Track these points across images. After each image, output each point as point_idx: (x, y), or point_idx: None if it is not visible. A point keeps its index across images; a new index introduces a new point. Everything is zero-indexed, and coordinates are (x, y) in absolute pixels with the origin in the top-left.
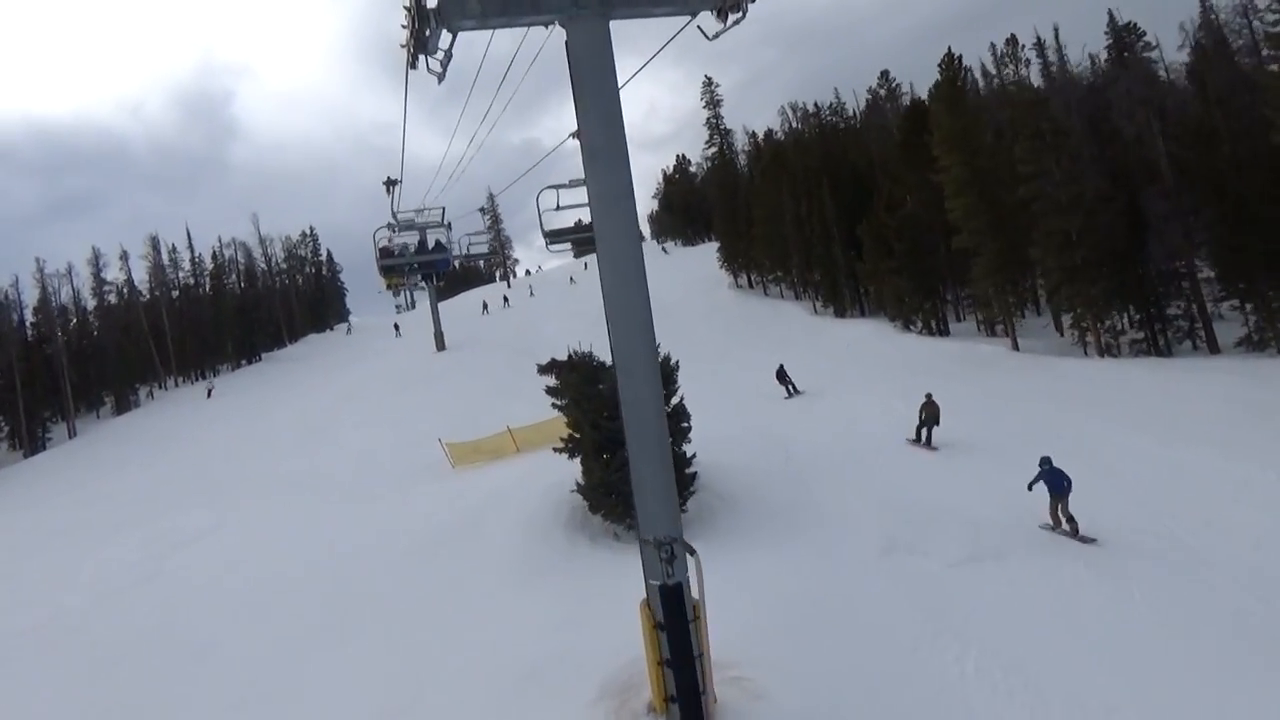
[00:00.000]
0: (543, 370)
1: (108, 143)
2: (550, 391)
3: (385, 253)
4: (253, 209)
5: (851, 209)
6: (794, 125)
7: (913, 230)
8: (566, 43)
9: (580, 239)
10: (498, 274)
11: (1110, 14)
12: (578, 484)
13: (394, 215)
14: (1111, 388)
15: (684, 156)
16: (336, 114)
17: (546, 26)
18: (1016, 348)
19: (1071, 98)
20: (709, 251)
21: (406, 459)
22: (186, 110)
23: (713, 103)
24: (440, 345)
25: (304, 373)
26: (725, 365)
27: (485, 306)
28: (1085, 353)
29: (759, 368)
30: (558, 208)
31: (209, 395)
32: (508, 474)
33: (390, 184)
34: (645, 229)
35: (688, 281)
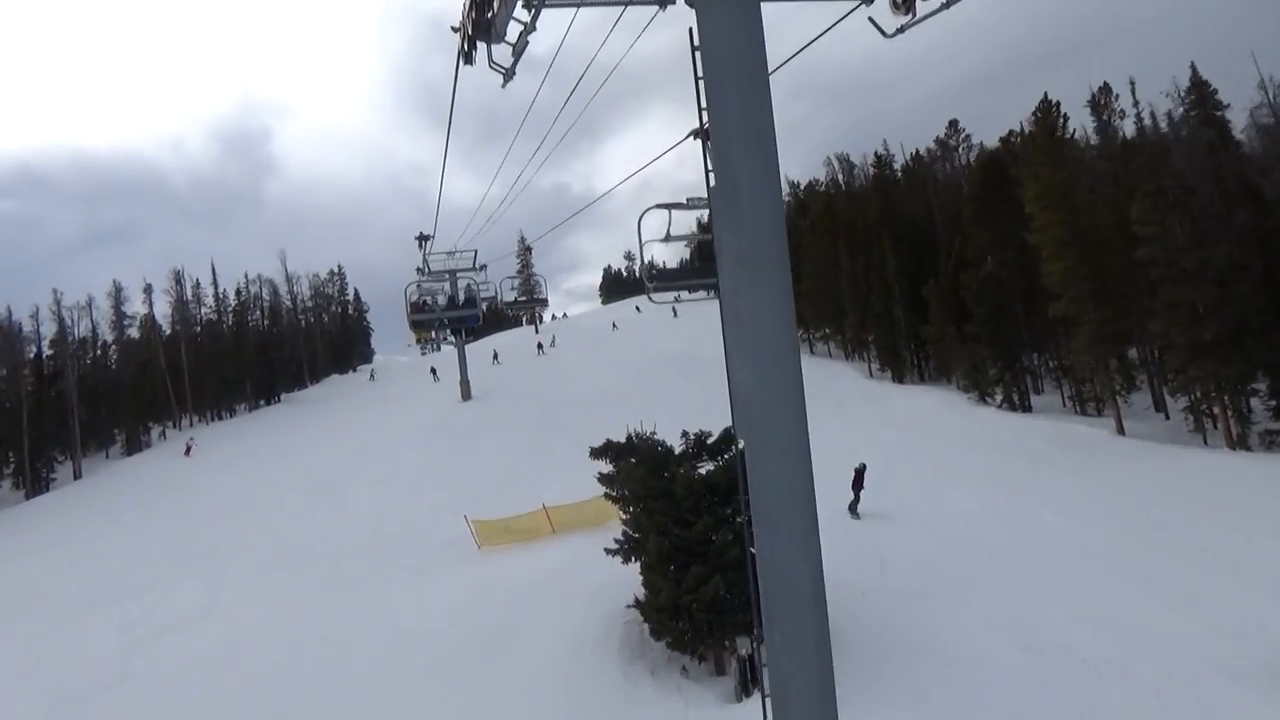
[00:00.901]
0: (596, 454)
1: (147, 176)
2: (605, 480)
3: (416, 308)
4: (284, 245)
5: (912, 267)
6: (840, 177)
7: (993, 293)
8: (693, 29)
9: (697, 285)
10: (524, 318)
11: (1193, 66)
12: (637, 600)
13: (425, 269)
14: (1257, 489)
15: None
16: (372, 154)
17: (664, 6)
18: (1122, 431)
19: (1194, 152)
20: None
21: (426, 531)
22: (225, 146)
23: None
24: (466, 394)
25: (321, 417)
26: None
27: (496, 356)
28: (1205, 441)
29: (820, 435)
30: (667, 238)
31: (187, 453)
32: (543, 563)
33: (422, 239)
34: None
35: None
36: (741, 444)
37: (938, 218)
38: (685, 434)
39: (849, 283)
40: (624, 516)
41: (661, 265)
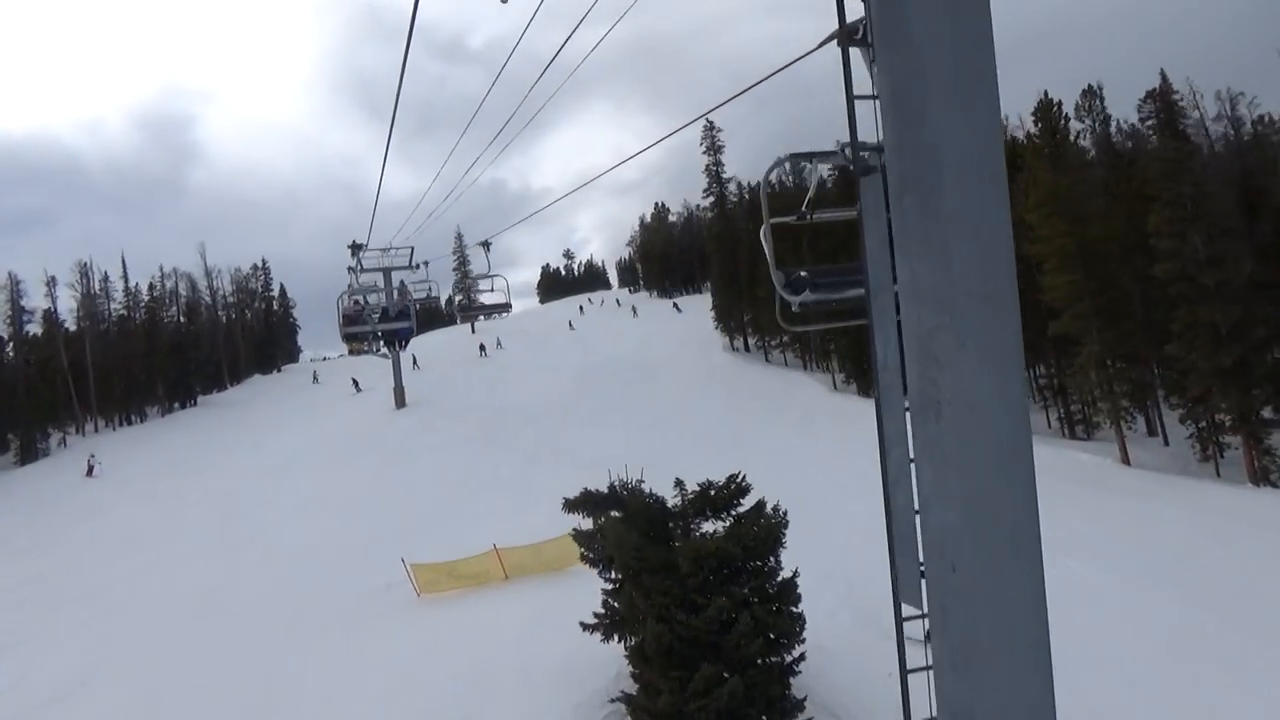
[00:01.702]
0: (571, 507)
1: (61, 161)
2: (581, 539)
3: (349, 319)
4: (209, 237)
5: None
6: (789, 178)
7: None
8: None
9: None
10: (459, 318)
11: (1162, 74)
12: (625, 695)
13: (356, 279)
14: None
15: (663, 205)
16: (302, 145)
17: None
18: (1127, 460)
19: (1210, 158)
20: (695, 306)
21: (356, 571)
22: (147, 132)
23: (713, 149)
24: (400, 402)
25: (240, 423)
26: (744, 453)
27: (415, 361)
28: (1218, 473)
29: (790, 459)
30: (804, 214)
31: (90, 473)
32: (497, 621)
33: (355, 248)
34: (613, 276)
35: (675, 340)
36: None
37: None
38: (681, 484)
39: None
40: (610, 588)
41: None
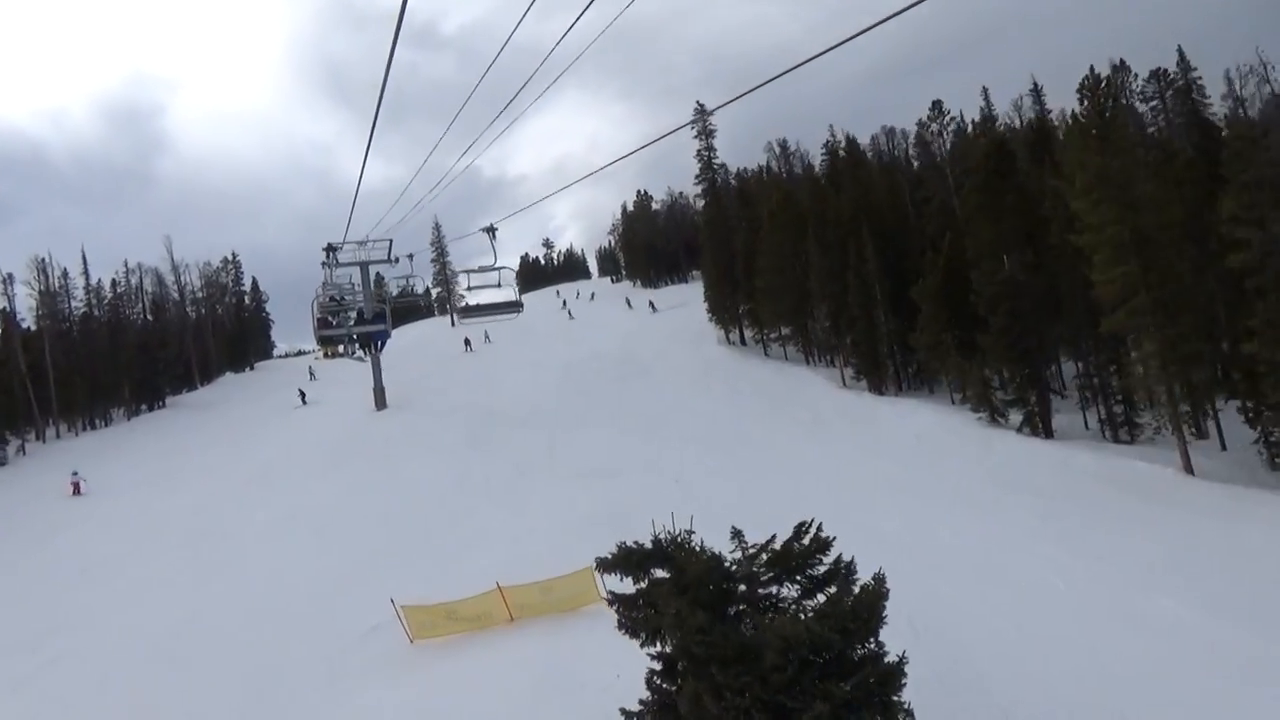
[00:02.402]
0: (605, 567)
1: (23, 150)
2: (624, 606)
3: (324, 322)
4: (177, 228)
5: (891, 264)
6: (778, 164)
7: (1011, 300)
8: None
9: None
10: (456, 321)
11: (1180, 51)
12: None
13: (329, 278)
14: None
15: (645, 192)
16: (271, 133)
17: None
18: (1190, 469)
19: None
20: (683, 297)
21: (337, 607)
22: (111, 121)
23: (705, 133)
24: (380, 403)
25: (210, 427)
26: (753, 459)
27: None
28: None
29: (805, 465)
30: None
31: (76, 492)
32: (503, 675)
33: (329, 250)
34: (593, 265)
35: (665, 333)
36: None
37: (910, 210)
38: (739, 536)
39: (822, 281)
40: (650, 652)
41: None
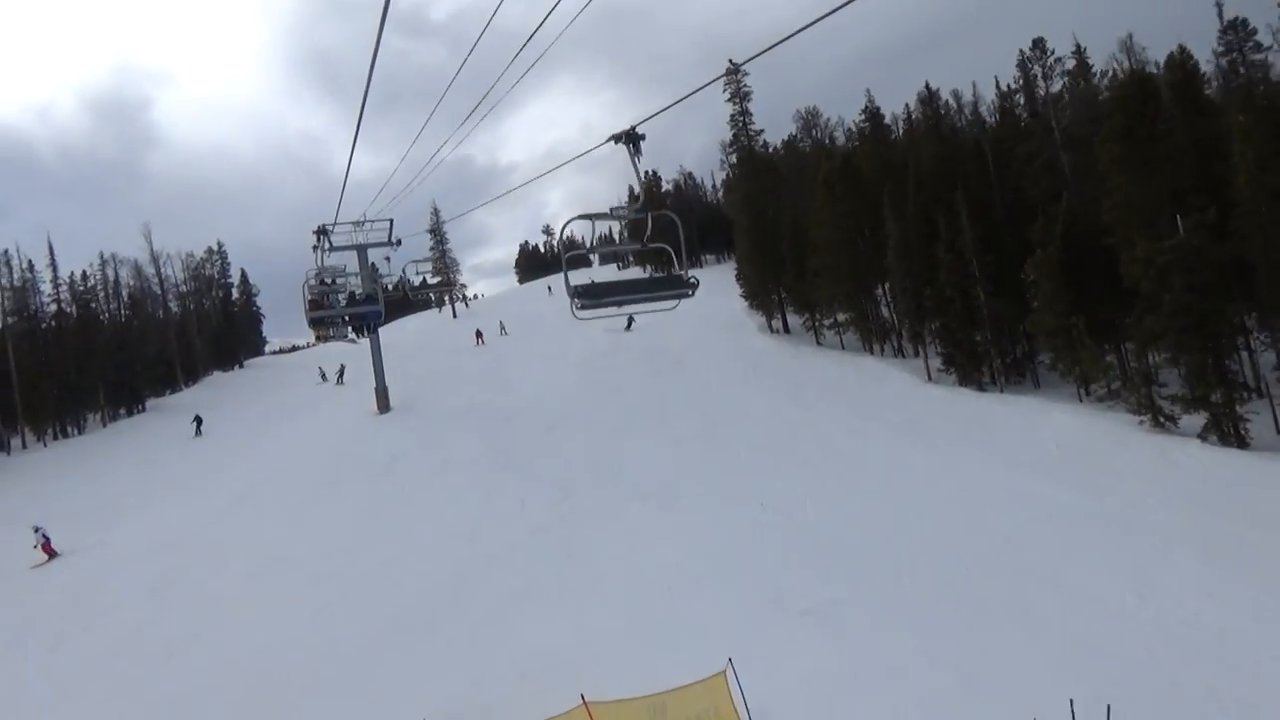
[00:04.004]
0: None
1: (10, 145)
2: None
3: (314, 304)
4: (168, 223)
5: (987, 236)
6: (818, 133)
7: (1188, 273)
8: None
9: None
10: (442, 298)
11: (1219, 6)
12: None
13: (320, 263)
14: None
15: (654, 173)
16: (261, 125)
17: None
18: None
19: None
20: (703, 280)
21: (348, 701)
22: (99, 115)
23: (739, 95)
24: (383, 405)
25: (189, 432)
26: (842, 467)
27: (323, 376)
28: None
29: (921, 482)
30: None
31: (47, 548)
32: None
33: (320, 233)
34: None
35: (695, 319)
36: None
37: (993, 172)
38: None
39: (901, 257)
40: None
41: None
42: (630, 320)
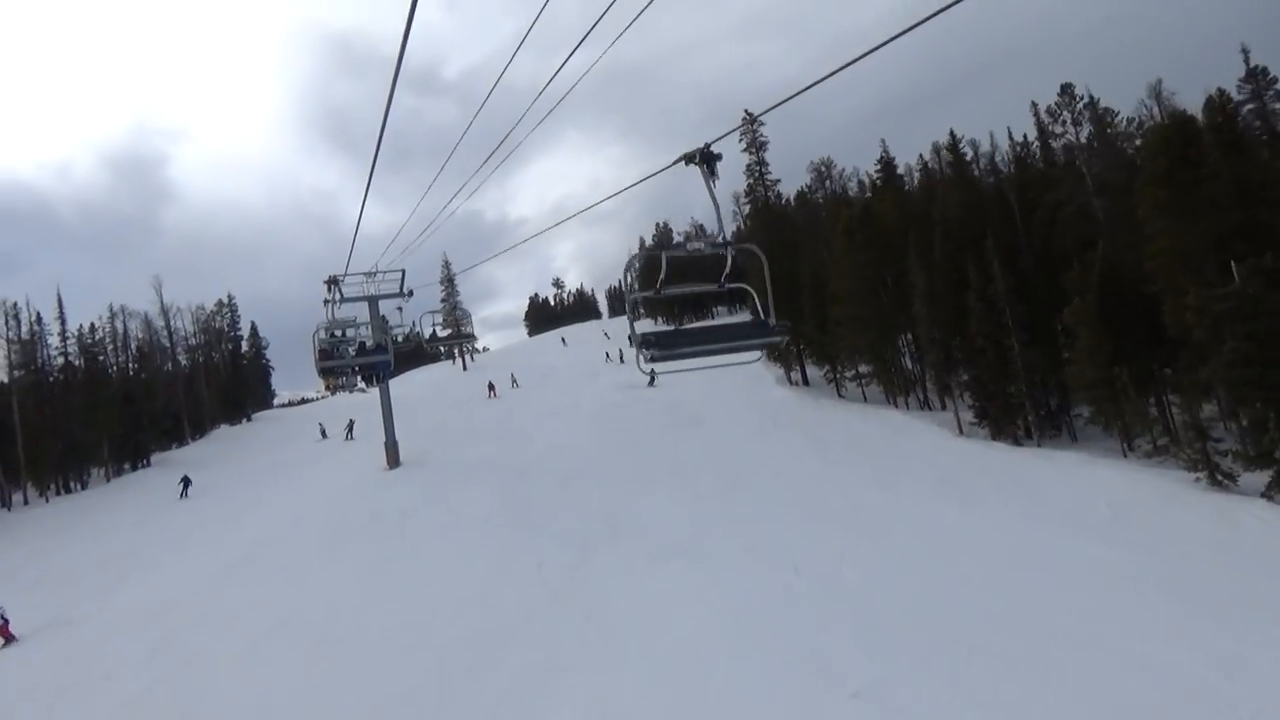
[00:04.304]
0: None
1: (30, 203)
2: None
3: (324, 354)
4: (180, 276)
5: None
6: (829, 184)
7: (1247, 321)
8: None
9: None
10: (444, 353)
11: (1245, 53)
12: None
13: (331, 315)
14: None
15: (665, 224)
16: (275, 180)
17: None
18: None
19: None
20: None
21: None
22: (117, 172)
23: (755, 145)
24: (393, 460)
25: (196, 491)
26: (873, 524)
27: (323, 433)
28: None
29: (963, 546)
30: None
31: (4, 632)
32: None
33: (331, 283)
34: (603, 304)
35: (713, 371)
36: None
37: (1019, 218)
38: None
39: (926, 307)
40: None
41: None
42: (653, 376)
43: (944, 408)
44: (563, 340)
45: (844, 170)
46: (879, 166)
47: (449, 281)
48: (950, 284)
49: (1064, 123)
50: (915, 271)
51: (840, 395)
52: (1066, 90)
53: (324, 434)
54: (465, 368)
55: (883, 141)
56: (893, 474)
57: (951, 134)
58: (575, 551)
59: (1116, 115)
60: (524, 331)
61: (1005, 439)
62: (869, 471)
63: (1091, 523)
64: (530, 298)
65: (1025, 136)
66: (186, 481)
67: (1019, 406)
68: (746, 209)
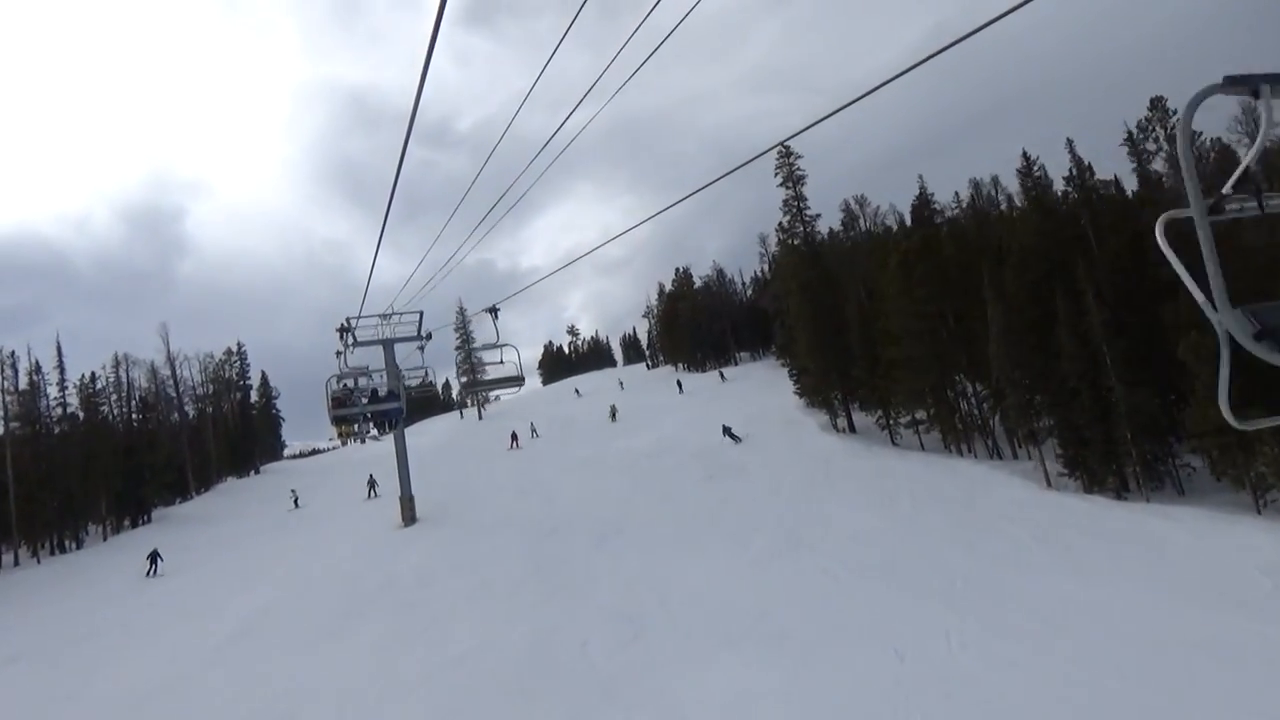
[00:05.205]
0: None
1: (45, 256)
2: None
3: (338, 402)
4: (195, 327)
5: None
6: (863, 222)
7: None
8: None
9: None
10: (465, 397)
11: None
12: None
13: (344, 363)
14: None
15: (686, 270)
16: (288, 232)
17: None
18: None
19: None
20: (755, 378)
21: None
22: (133, 225)
23: (792, 179)
24: (409, 516)
25: (192, 548)
26: (969, 594)
27: (373, 486)
28: None
29: (1066, 613)
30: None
31: None
32: None
33: (344, 331)
34: (617, 351)
35: (744, 418)
36: None
37: (1095, 248)
38: None
39: (1001, 345)
40: None
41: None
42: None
43: (1016, 456)
44: (576, 391)
45: (879, 207)
46: (916, 201)
47: (464, 331)
48: (1028, 319)
49: (1156, 139)
50: (991, 306)
51: (894, 443)
52: (1157, 105)
53: (296, 503)
54: (481, 416)
55: (920, 176)
56: (980, 534)
57: (1025, 155)
58: (624, 629)
59: (1200, 136)
60: (538, 380)
61: (1105, 492)
62: (950, 530)
63: (1248, 597)
64: (545, 345)
65: (1081, 160)
66: (155, 558)
67: (1122, 455)
68: (774, 247)
